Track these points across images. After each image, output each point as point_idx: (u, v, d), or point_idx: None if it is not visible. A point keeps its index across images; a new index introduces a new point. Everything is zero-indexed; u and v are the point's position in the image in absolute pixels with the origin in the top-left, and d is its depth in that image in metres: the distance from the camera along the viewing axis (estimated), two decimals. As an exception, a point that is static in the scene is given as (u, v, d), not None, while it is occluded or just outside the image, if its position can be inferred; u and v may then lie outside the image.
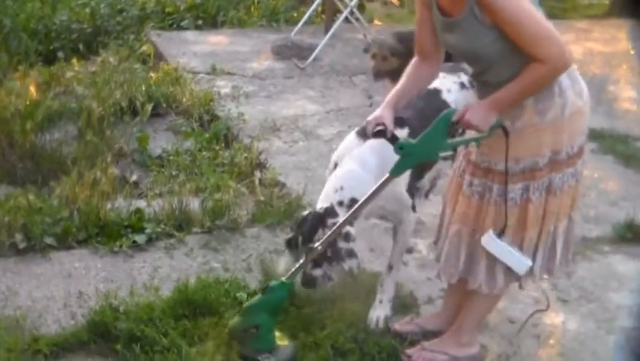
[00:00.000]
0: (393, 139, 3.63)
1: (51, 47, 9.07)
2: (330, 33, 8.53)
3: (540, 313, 4.31)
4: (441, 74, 4.31)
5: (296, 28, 8.99)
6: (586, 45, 9.68)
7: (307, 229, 3.94)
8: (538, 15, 3.37)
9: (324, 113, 6.91)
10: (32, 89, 6.66)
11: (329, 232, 3.83)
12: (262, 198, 5.25)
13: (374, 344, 3.96)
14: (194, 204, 5.12)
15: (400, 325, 4.19)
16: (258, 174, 5.64)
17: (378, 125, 3.67)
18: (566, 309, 4.46)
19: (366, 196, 3.77)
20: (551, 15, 11.63)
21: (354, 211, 3.81)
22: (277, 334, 3.90)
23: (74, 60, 8.00)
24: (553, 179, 3.60)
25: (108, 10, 9.99)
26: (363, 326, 4.08)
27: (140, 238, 4.80)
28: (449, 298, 4.19)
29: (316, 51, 8.24)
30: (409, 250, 4.81)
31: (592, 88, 7.37)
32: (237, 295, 4.23)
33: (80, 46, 9.15)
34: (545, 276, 3.95)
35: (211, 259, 4.68)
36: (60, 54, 8.81)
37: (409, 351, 3.99)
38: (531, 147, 3.56)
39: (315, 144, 6.26)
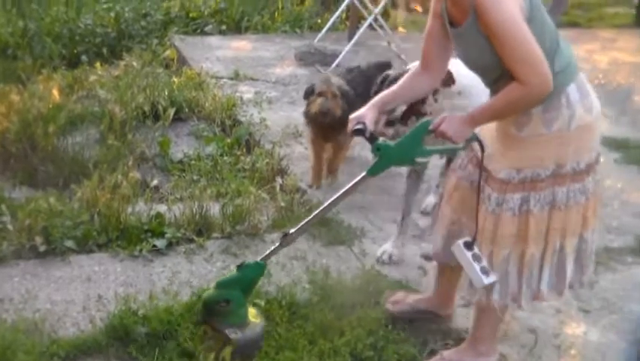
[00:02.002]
0: (371, 139, 3.68)
1: (75, 51, 9.11)
2: (353, 40, 8.55)
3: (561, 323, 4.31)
4: None
5: (319, 35, 9.02)
6: (611, 54, 9.66)
7: None
8: (529, 35, 3.31)
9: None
10: (55, 92, 6.70)
11: (309, 218, 3.95)
12: (283, 204, 5.25)
13: (393, 352, 3.95)
14: (215, 209, 5.12)
15: (393, 304, 4.22)
16: (279, 179, 5.63)
17: (358, 123, 3.70)
18: (587, 320, 4.43)
19: (341, 191, 3.82)
20: (576, 24, 11.70)
21: (331, 203, 3.88)
22: (252, 311, 4.00)
23: (98, 64, 8.06)
24: (556, 193, 3.57)
25: (132, 15, 10.05)
26: (382, 334, 4.06)
27: (160, 243, 4.80)
28: (440, 279, 4.23)
29: (339, 58, 8.26)
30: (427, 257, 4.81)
31: (617, 98, 7.41)
32: (256, 301, 4.22)
33: (104, 50, 9.19)
34: (555, 298, 3.88)
35: (231, 264, 4.66)
36: (84, 58, 8.86)
37: None
38: (534, 157, 3.54)
39: (337, 150, 6.24)
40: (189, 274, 4.57)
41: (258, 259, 3.98)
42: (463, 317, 4.31)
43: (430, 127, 3.58)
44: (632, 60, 9.57)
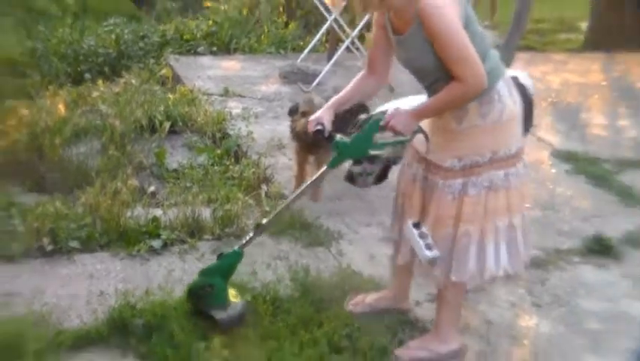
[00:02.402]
0: (330, 137, 3.82)
1: (79, 69, 9.08)
2: (332, 60, 8.58)
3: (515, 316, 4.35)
4: None
5: (302, 56, 9.03)
6: (563, 76, 9.72)
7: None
8: (466, 39, 3.47)
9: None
10: (61, 107, 6.69)
11: (279, 209, 4.12)
12: (267, 209, 5.26)
13: (366, 342, 3.98)
14: (206, 213, 5.14)
15: (354, 305, 4.25)
16: (264, 187, 5.65)
17: (318, 124, 3.85)
18: (539, 313, 4.48)
19: (309, 181, 4.01)
20: (532, 48, 11.71)
21: (300, 192, 4.01)
22: (232, 292, 4.10)
23: (100, 81, 8.04)
24: (493, 177, 3.70)
25: (131, 37, 10.02)
26: (356, 326, 4.09)
27: (156, 243, 4.83)
28: (396, 278, 4.30)
29: (320, 77, 8.27)
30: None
31: (567, 115, 7.47)
32: (243, 296, 4.25)
33: (106, 68, 9.16)
34: (512, 274, 3.97)
35: (220, 263, 4.70)
36: (87, 76, 8.84)
37: (396, 351, 4.00)
38: (473, 146, 3.68)
39: (317, 161, 6.27)
40: (182, 272, 4.59)
41: (236, 247, 4.06)
42: (429, 310, 4.35)
43: (382, 123, 3.71)
44: (581, 81, 9.64)
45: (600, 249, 5.12)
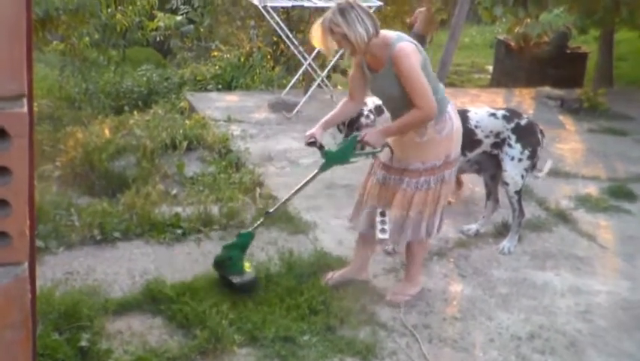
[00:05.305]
0: (320, 147, 3.91)
1: (120, 103, 9.13)
2: (308, 94, 8.53)
3: (447, 284, 4.31)
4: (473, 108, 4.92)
5: (285, 91, 8.98)
6: (476, 105, 9.70)
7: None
8: (423, 79, 3.64)
9: (304, 148, 6.86)
10: (106, 131, 6.64)
11: (282, 201, 4.25)
12: (261, 206, 5.20)
13: (337, 306, 3.93)
14: (215, 209, 5.07)
15: (330, 279, 4.20)
16: (258, 190, 5.59)
17: (311, 138, 3.93)
18: (464, 281, 4.45)
19: (302, 182, 4.03)
20: (453, 85, 11.74)
21: (295, 191, 4.08)
22: (247, 264, 4.09)
23: (135, 112, 7.96)
24: (445, 174, 3.87)
25: (158, 79, 10.07)
26: (329, 293, 4.03)
27: (178, 233, 4.75)
28: (358, 256, 4.28)
29: (298, 106, 8.23)
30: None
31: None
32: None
33: (139, 102, 9.18)
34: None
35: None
36: (126, 108, 8.80)
37: (388, 297, 4.08)
38: (433, 153, 3.83)
39: (297, 169, 6.21)
40: (198, 254, 4.52)
41: (250, 229, 4.14)
42: (384, 281, 4.31)
43: (358, 138, 3.82)
44: (490, 108, 9.64)
45: (505, 232, 5.08)
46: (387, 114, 4.20)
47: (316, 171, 3.98)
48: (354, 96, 4.02)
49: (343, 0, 3.66)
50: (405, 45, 3.65)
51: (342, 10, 3.61)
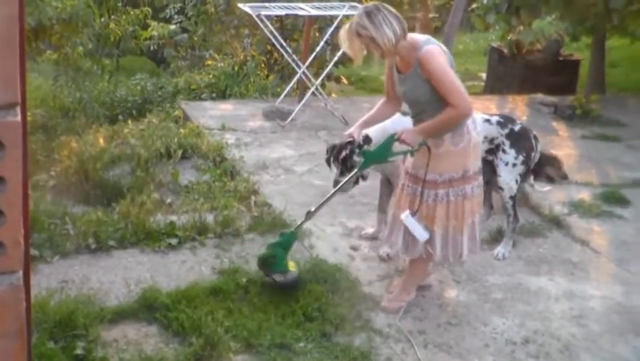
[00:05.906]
0: (359, 147, 4.01)
1: (114, 112, 9.08)
2: (302, 102, 8.53)
3: (442, 290, 4.32)
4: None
5: (279, 99, 8.97)
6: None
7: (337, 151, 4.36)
8: (454, 77, 3.65)
9: (298, 156, 6.88)
10: (101, 140, 6.63)
11: (324, 200, 4.21)
12: (256, 214, 5.21)
13: (333, 313, 3.94)
14: (210, 218, 5.07)
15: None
16: (253, 197, 5.59)
17: (350, 137, 4.00)
18: (458, 286, 4.46)
19: (345, 180, 4.14)
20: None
21: (337, 189, 4.16)
22: (291, 263, 4.10)
23: (129, 121, 7.96)
24: (466, 188, 3.82)
25: (152, 88, 10.02)
26: (324, 300, 4.04)
27: (173, 241, 4.74)
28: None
29: (293, 115, 8.23)
30: (354, 248, 4.81)
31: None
32: (239, 280, 4.18)
33: (134, 111, 9.13)
34: (471, 255, 4.18)
35: (221, 255, 4.63)
36: (120, 117, 8.77)
37: (382, 304, 4.08)
38: (449, 165, 3.80)
39: (292, 177, 6.23)
40: (193, 262, 4.52)
41: (292, 229, 4.24)
42: (379, 288, 4.31)
43: (396, 137, 3.83)
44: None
45: (500, 238, 5.09)
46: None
47: (355, 170, 4.10)
48: (390, 97, 4.05)
49: (370, 3, 3.70)
50: (432, 47, 3.68)
51: (368, 13, 3.62)
